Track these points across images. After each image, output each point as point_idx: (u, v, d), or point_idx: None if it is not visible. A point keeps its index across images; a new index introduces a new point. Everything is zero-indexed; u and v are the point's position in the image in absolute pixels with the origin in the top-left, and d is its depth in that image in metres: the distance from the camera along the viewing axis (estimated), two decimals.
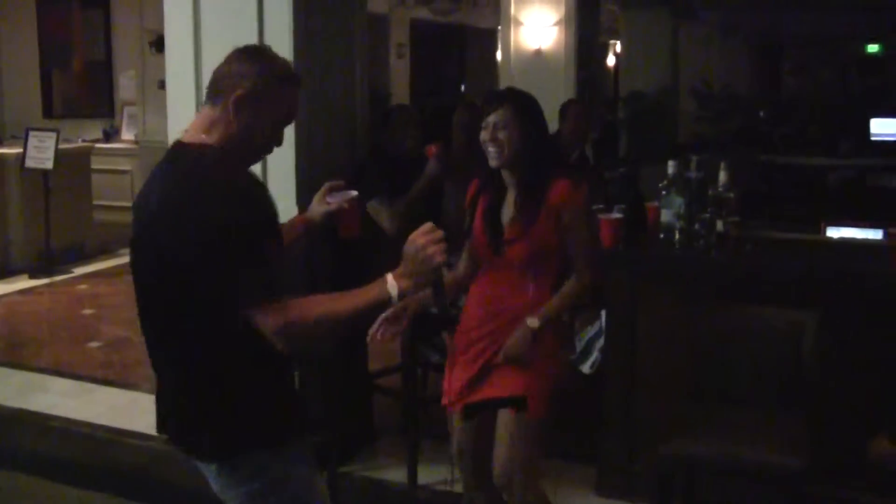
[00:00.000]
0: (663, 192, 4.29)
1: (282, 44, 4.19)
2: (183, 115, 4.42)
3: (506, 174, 3.38)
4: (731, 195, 4.19)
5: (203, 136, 2.42)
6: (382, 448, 4.81)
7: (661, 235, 4.27)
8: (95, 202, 10.07)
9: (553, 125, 6.58)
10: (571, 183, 3.31)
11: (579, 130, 6.19)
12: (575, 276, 3.34)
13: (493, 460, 3.35)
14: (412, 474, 4.43)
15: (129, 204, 9.64)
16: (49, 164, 8.66)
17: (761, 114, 12.73)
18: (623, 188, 5.61)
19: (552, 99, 6.97)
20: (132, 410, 5.40)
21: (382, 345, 3.25)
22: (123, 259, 9.76)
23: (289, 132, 4.14)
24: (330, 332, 2.38)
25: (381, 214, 4.52)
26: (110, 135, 11.01)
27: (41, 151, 8.68)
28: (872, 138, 11.05)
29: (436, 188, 4.68)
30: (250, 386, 2.43)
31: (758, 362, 3.55)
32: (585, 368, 4.69)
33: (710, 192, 4.24)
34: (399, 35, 14.25)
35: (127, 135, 10.92)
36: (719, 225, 4.12)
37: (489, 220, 3.40)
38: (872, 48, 15.09)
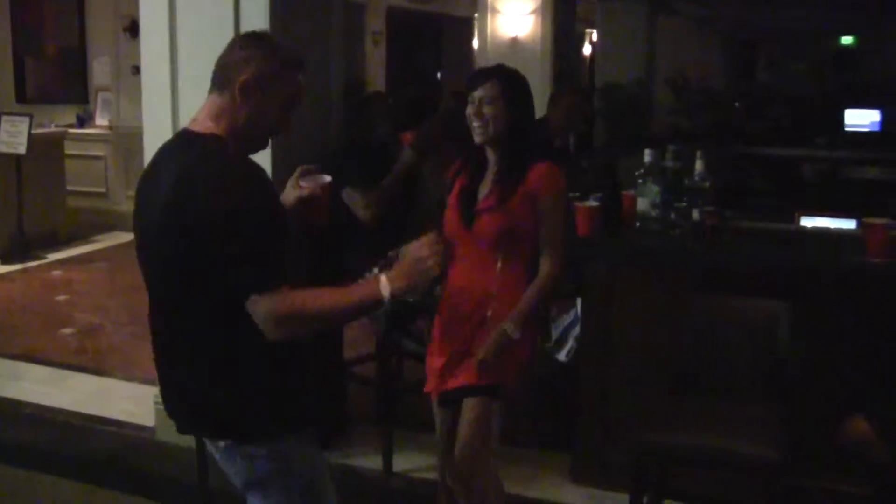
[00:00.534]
0: (640, 181, 4.31)
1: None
2: (158, 101, 4.40)
3: (489, 152, 3.35)
4: (707, 184, 4.22)
5: (211, 124, 2.43)
6: (357, 436, 4.79)
7: (638, 224, 4.28)
8: (69, 188, 9.98)
9: (539, 112, 6.62)
10: (552, 168, 3.29)
11: (569, 119, 6.13)
12: (543, 265, 3.29)
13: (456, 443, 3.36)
14: (387, 462, 4.43)
15: (103, 190, 9.62)
16: (22, 150, 8.59)
17: (736, 105, 12.75)
18: (600, 177, 5.60)
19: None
20: (105, 397, 5.38)
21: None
22: (97, 245, 9.72)
23: None
24: (320, 327, 2.45)
25: (356, 202, 4.49)
26: (84, 120, 10.90)
27: (14, 136, 8.61)
28: (846, 129, 11.13)
29: (411, 176, 4.66)
30: (269, 369, 2.43)
31: (733, 352, 3.55)
32: (561, 357, 4.69)
33: (686, 182, 4.26)
34: (375, 23, 14.16)
35: (101, 120, 10.81)
36: (695, 214, 4.14)
37: (464, 195, 3.37)
38: (847, 40, 15.15)
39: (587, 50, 16.87)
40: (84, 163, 10.50)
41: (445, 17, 15.15)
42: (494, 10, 8.97)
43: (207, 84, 2.50)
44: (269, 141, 2.55)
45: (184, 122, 2.57)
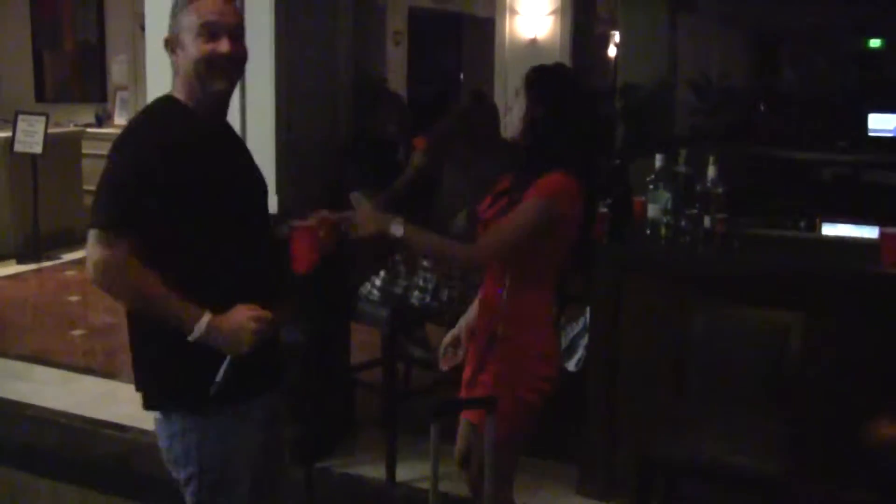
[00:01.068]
0: (650, 187, 4.21)
1: (262, 24, 4.13)
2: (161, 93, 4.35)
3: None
4: (720, 191, 4.12)
5: (176, 87, 2.56)
6: (362, 442, 4.73)
7: (648, 231, 4.19)
8: (86, 187, 9.96)
9: None
10: (556, 178, 2.95)
11: None
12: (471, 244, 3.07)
13: None
14: (390, 471, 4.35)
15: None
16: (38, 149, 8.57)
17: (762, 107, 12.61)
18: (612, 181, 5.52)
19: None
20: (111, 400, 5.32)
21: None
22: None
23: (268, 115, 4.18)
24: (132, 303, 2.43)
25: (362, 206, 4.41)
26: (102, 119, 10.90)
27: (30, 136, 8.60)
28: (870, 134, 10.95)
29: (424, 180, 4.58)
30: (173, 344, 2.43)
31: (743, 363, 3.47)
32: (570, 366, 4.61)
33: (697, 188, 4.16)
34: (396, 23, 14.11)
35: (119, 120, 10.80)
36: (706, 221, 4.05)
37: (494, 198, 3.15)
38: (875, 43, 14.95)
39: (612, 52, 16.77)
40: (102, 162, 10.46)
41: (467, 17, 15.06)
42: (513, 11, 8.88)
43: None
44: (224, 75, 2.51)
45: None
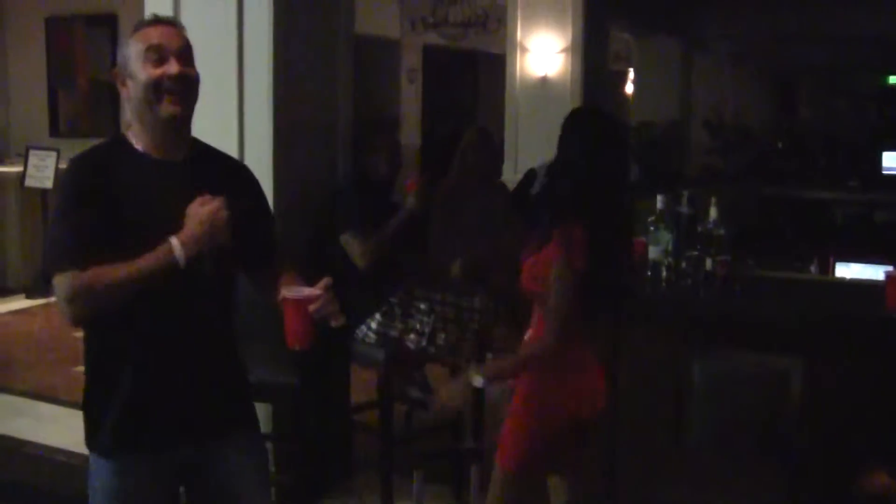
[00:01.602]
0: (651, 228, 4.16)
1: (261, 67, 4.11)
2: None
3: None
4: (721, 232, 4.06)
5: (131, 133, 2.56)
6: (359, 484, 4.66)
7: (649, 272, 4.13)
8: None
9: None
10: (574, 233, 2.93)
11: None
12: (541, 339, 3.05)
13: None
14: None
15: None
16: (48, 184, 8.60)
17: (780, 145, 12.59)
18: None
19: (557, 128, 6.85)
20: None
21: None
22: None
23: (265, 155, 4.15)
24: (116, 297, 2.37)
25: (353, 249, 4.36)
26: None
27: (41, 170, 8.65)
28: (884, 172, 10.88)
29: (414, 223, 4.52)
30: (95, 384, 2.54)
31: (741, 410, 3.41)
32: None
33: (699, 229, 4.11)
34: (411, 60, 14.16)
35: None
36: (708, 263, 3.99)
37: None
38: (894, 79, 14.89)
39: (629, 89, 16.76)
40: None
41: (482, 54, 15.09)
42: (523, 49, 8.85)
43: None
44: (176, 101, 2.46)
45: None
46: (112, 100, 11.14)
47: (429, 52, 14.22)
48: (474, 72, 16.22)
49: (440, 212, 4.92)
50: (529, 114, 8.75)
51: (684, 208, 4.19)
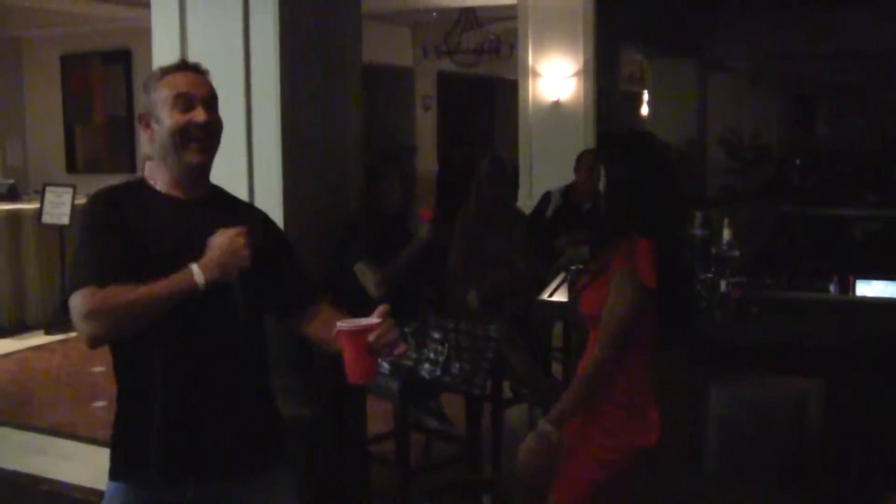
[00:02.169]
0: None
1: (268, 96, 4.10)
2: None
3: None
4: (736, 254, 4.02)
5: (150, 174, 2.59)
6: None
7: None
8: None
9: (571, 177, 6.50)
10: (637, 245, 2.87)
11: (592, 182, 6.01)
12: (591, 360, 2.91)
13: None
14: None
15: None
16: (65, 220, 8.64)
17: (797, 161, 12.52)
18: None
19: (570, 151, 6.85)
20: None
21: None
22: None
23: (275, 184, 4.13)
24: (133, 317, 2.35)
25: (367, 278, 4.34)
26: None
27: (57, 207, 8.68)
28: None
29: (428, 253, 4.50)
30: (124, 414, 2.53)
31: (759, 435, 3.34)
32: None
33: (713, 251, 4.07)
34: (425, 87, 14.20)
35: None
36: (722, 286, 3.93)
37: (584, 284, 3.10)
38: None
39: (644, 110, 16.76)
40: None
41: (496, 80, 15.13)
42: (535, 74, 8.85)
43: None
44: (197, 147, 2.50)
45: None
46: (128, 136, 11.25)
47: (443, 78, 14.26)
48: (489, 97, 16.26)
49: (459, 241, 4.90)
50: (543, 138, 8.75)
51: (698, 230, 4.14)
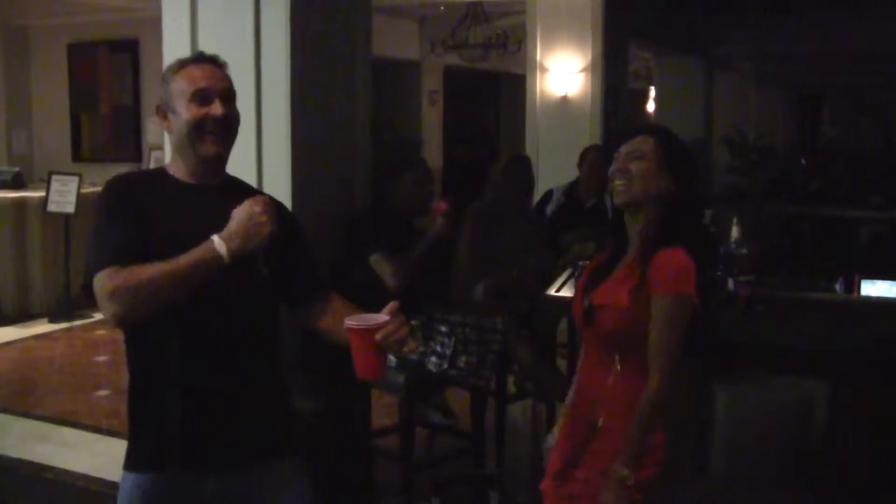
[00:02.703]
0: None
1: (279, 92, 4.10)
2: None
3: (630, 225, 2.83)
4: (745, 252, 4.02)
5: (170, 164, 2.62)
6: None
7: None
8: None
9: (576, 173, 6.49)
10: (679, 257, 2.69)
11: (596, 178, 6.00)
12: (650, 380, 2.69)
13: None
14: None
15: None
16: (71, 209, 8.64)
17: (803, 161, 12.53)
18: None
19: (578, 146, 6.87)
20: None
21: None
22: None
23: (284, 180, 4.13)
24: (156, 293, 2.35)
25: (384, 269, 4.33)
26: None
27: (63, 195, 8.68)
28: None
29: (441, 245, 4.49)
30: (139, 401, 2.53)
31: (765, 435, 3.34)
32: None
33: (721, 249, 4.07)
34: (432, 82, 14.19)
35: None
36: (730, 283, 3.94)
37: (592, 278, 2.87)
38: None
39: (651, 107, 16.76)
40: None
41: (503, 75, 15.11)
42: (543, 69, 8.84)
43: None
44: (214, 139, 2.53)
45: None
46: (134, 125, 11.25)
47: (450, 73, 14.25)
48: (496, 92, 16.24)
49: (469, 235, 4.89)
50: (550, 133, 8.74)
51: (707, 228, 4.15)
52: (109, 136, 11.58)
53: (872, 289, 5.33)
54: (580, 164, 6.24)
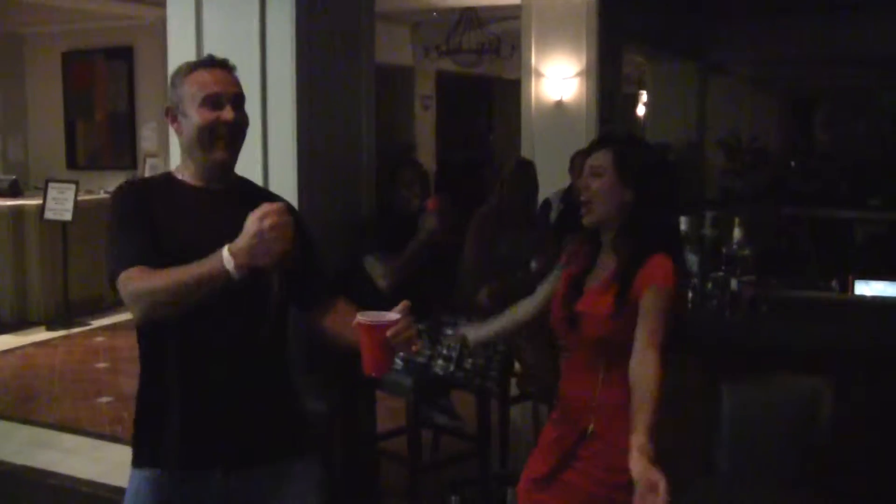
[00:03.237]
0: None
1: (284, 97, 4.13)
2: None
3: (603, 233, 2.88)
4: (747, 253, 4.06)
5: (179, 168, 2.64)
6: None
7: None
8: None
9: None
10: (663, 260, 2.75)
11: None
12: (647, 368, 2.64)
13: None
14: None
15: None
16: (68, 216, 8.65)
17: (792, 164, 12.60)
18: None
19: (573, 151, 6.88)
20: None
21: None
22: None
23: (290, 185, 4.16)
24: (170, 301, 2.35)
25: (375, 271, 4.37)
26: None
27: (60, 203, 8.69)
28: None
29: (435, 243, 4.51)
30: (145, 399, 2.57)
31: (771, 433, 3.37)
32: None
33: (724, 250, 4.11)
34: (425, 87, 14.23)
35: None
36: (733, 284, 3.98)
37: (570, 286, 2.91)
38: None
39: (640, 111, 16.81)
40: None
41: (496, 80, 15.16)
42: (538, 74, 8.88)
43: None
44: (225, 144, 2.55)
45: None
46: (130, 132, 11.27)
47: (442, 78, 14.29)
48: (488, 97, 16.29)
49: (475, 239, 4.92)
50: (545, 138, 8.76)
51: (708, 230, 4.19)
52: (105, 143, 11.59)
53: (867, 289, 5.37)
54: (571, 170, 6.28)
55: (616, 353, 2.76)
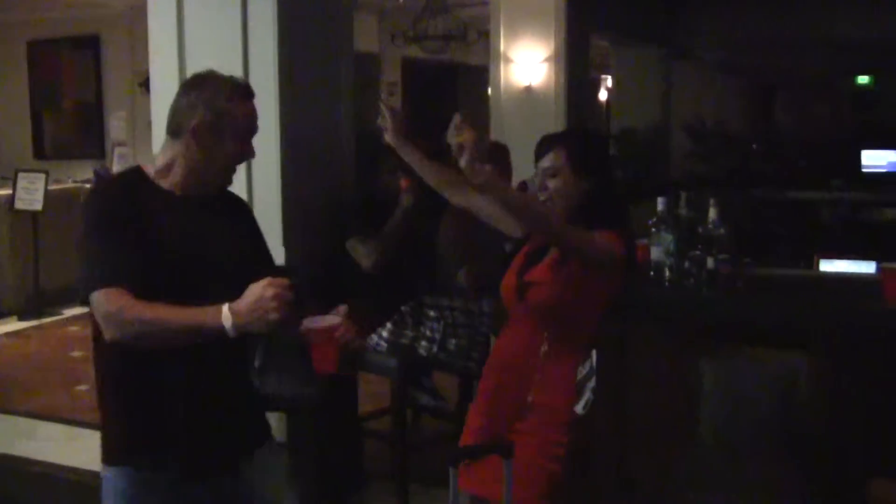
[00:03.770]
0: (653, 230, 4.24)
1: (266, 84, 4.16)
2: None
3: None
4: (722, 232, 4.14)
5: (161, 169, 2.55)
6: (373, 493, 4.71)
7: (651, 273, 4.21)
8: None
9: None
10: (610, 236, 2.92)
11: None
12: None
13: None
14: None
15: None
16: (38, 206, 8.63)
17: (754, 146, 12.71)
18: None
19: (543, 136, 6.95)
20: None
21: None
22: None
23: (273, 172, 4.20)
24: (154, 336, 2.36)
25: (357, 252, 4.44)
26: (101, 175, 10.98)
27: (30, 193, 8.67)
28: (864, 170, 11.07)
29: (412, 222, 4.57)
30: (119, 397, 2.53)
31: (750, 405, 3.47)
32: (578, 409, 4.60)
33: (699, 230, 4.19)
34: (390, 73, 14.23)
35: None
36: (710, 262, 4.06)
37: (527, 260, 3.06)
38: (863, 80, 15.09)
39: (603, 96, 16.91)
40: None
41: (461, 67, 15.18)
42: (507, 59, 8.94)
43: None
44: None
45: None
46: (98, 122, 11.21)
47: (407, 64, 14.29)
48: (453, 83, 16.30)
49: (450, 221, 4.97)
50: (515, 123, 8.81)
51: (684, 210, 4.27)
52: (72, 133, 11.53)
53: (831, 267, 5.47)
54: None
55: (559, 325, 2.94)
